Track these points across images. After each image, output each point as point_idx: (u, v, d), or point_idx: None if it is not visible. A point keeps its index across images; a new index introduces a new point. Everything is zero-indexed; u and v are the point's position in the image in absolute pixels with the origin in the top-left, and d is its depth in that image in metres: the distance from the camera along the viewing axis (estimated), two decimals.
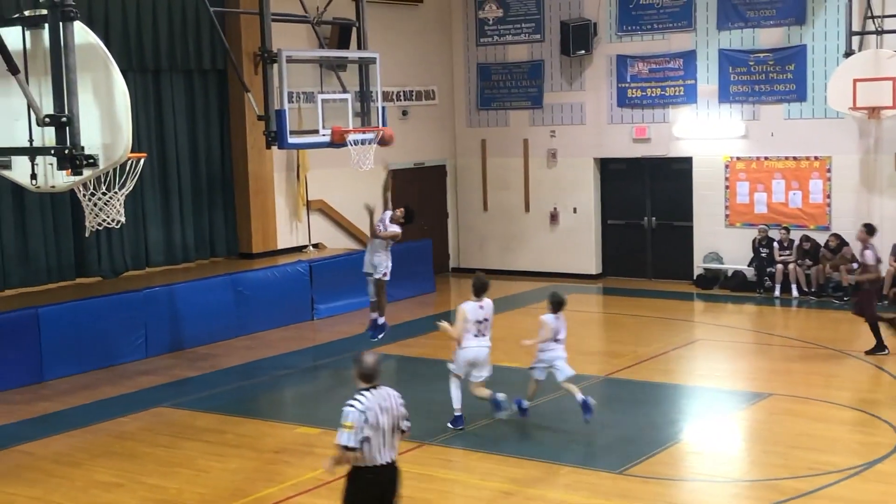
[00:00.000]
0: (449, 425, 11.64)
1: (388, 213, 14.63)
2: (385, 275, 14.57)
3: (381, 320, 14.87)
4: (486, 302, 11.48)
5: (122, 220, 10.07)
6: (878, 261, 14.65)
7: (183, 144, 18.03)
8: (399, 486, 7.52)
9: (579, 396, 11.45)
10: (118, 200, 9.78)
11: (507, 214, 22.27)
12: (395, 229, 14.48)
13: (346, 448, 7.15)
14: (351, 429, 7.12)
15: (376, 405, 7.24)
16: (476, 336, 11.39)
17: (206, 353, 15.90)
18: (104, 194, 9.78)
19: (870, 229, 14.59)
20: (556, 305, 11.67)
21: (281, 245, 19.08)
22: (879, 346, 14.21)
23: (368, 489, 7.35)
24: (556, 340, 11.65)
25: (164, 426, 12.25)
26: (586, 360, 14.85)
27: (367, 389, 7.31)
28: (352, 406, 7.19)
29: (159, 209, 17.72)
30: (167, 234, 17.88)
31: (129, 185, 9.83)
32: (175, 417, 12.61)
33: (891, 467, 10.16)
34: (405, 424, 7.46)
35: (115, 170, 9.15)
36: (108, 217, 9.90)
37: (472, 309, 11.35)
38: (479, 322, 11.38)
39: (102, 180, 9.69)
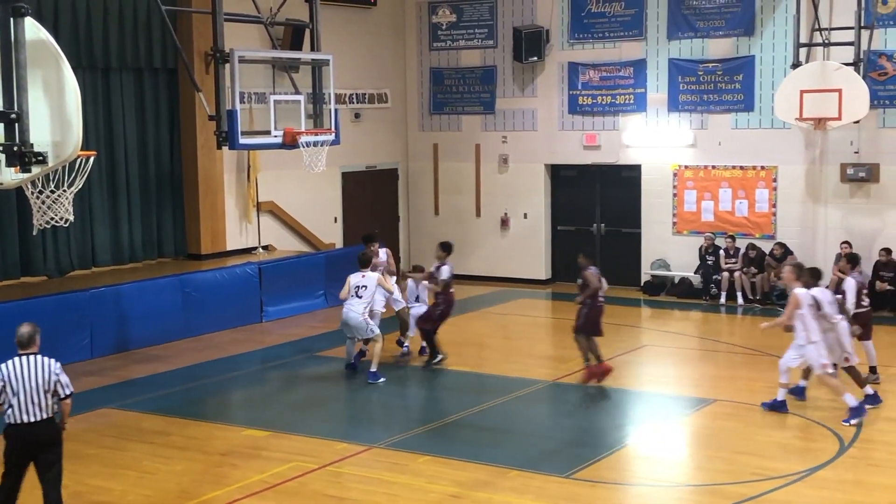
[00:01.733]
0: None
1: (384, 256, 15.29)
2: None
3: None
4: (369, 274, 13.95)
5: (71, 218, 9.97)
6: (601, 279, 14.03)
7: (132, 143, 17.86)
8: (55, 443, 8.65)
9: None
10: (67, 199, 9.67)
11: (458, 219, 22.32)
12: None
13: None
14: None
15: (20, 371, 8.40)
16: (353, 298, 13.81)
17: (152, 354, 15.76)
18: (53, 192, 9.67)
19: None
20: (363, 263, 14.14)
21: (230, 246, 18.97)
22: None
23: (16, 443, 8.50)
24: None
25: (109, 427, 12.13)
26: (535, 364, 14.95)
27: (20, 356, 8.47)
28: None
29: (107, 208, 17.53)
30: (114, 234, 17.70)
31: (79, 184, 9.73)
32: (121, 419, 12.49)
33: (833, 473, 10.32)
34: (64, 391, 8.58)
35: (64, 167, 9.06)
36: (56, 215, 9.79)
37: (354, 277, 13.94)
38: (358, 287, 13.82)
39: (51, 178, 9.59)
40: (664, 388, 13.79)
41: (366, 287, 13.85)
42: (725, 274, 19.12)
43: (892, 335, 16.63)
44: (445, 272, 14.46)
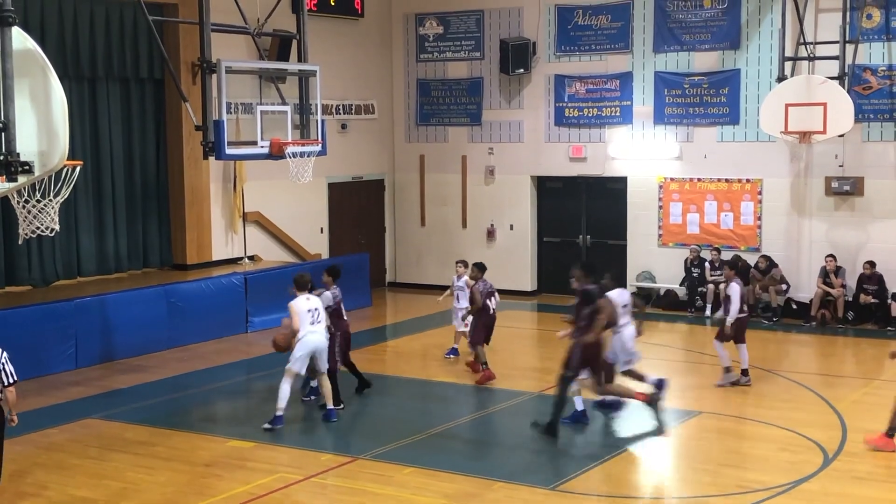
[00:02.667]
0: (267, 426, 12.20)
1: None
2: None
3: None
4: (312, 296, 12.53)
5: (57, 227, 9.94)
6: (489, 295, 14.59)
7: (118, 153, 17.84)
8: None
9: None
10: (53, 208, 9.65)
11: (444, 230, 22.33)
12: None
13: None
14: None
15: None
16: (311, 325, 12.32)
17: (137, 364, 15.71)
18: (38, 202, 9.65)
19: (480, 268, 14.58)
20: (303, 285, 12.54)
21: (216, 257, 18.93)
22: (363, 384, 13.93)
23: None
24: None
25: (93, 438, 12.08)
26: (520, 376, 14.95)
27: None
28: None
29: (92, 218, 17.49)
30: (100, 244, 17.65)
31: (65, 193, 9.71)
32: (105, 429, 12.44)
33: (817, 486, 10.34)
34: (8, 379, 9.08)
35: (50, 177, 9.04)
36: (42, 225, 9.76)
37: (300, 303, 12.36)
38: (310, 311, 12.35)
39: (37, 187, 9.56)
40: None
41: (317, 309, 12.46)
42: (711, 286, 19.17)
43: (876, 347, 16.71)
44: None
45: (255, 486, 10.36)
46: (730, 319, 13.90)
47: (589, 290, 11.90)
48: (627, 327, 12.66)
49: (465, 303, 15.34)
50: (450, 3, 21.89)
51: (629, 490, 10.58)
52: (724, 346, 14.04)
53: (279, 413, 12.22)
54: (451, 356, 15.84)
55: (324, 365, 12.55)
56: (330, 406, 12.59)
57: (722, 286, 14.27)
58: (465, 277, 15.40)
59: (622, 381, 12.56)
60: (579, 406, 12.41)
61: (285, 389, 12.24)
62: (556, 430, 11.71)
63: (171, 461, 11.25)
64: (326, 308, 12.75)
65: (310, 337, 12.27)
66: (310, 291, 12.56)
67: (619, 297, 12.65)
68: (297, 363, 12.29)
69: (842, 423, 12.36)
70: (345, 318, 13.36)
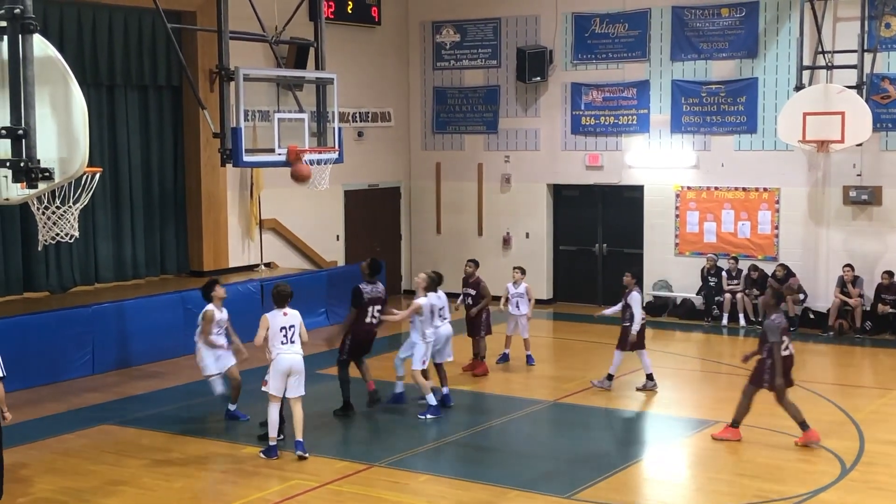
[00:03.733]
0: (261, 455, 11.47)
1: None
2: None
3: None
4: (290, 311, 11.64)
5: (76, 234, 10.00)
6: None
7: (136, 160, 17.91)
8: None
9: None
10: (72, 215, 9.70)
11: (459, 238, 22.33)
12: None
13: None
14: None
15: None
16: (287, 344, 11.44)
17: (153, 370, 15.75)
18: (58, 208, 9.70)
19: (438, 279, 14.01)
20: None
21: (232, 263, 18.98)
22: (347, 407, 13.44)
23: None
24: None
25: (109, 444, 12.12)
26: (536, 384, 14.94)
27: None
28: None
29: (110, 224, 17.56)
30: (117, 250, 17.72)
31: (84, 200, 9.76)
32: (121, 435, 12.47)
33: (835, 496, 10.29)
34: None
35: (69, 183, 9.09)
36: (61, 231, 9.82)
37: (275, 318, 11.52)
38: (284, 328, 11.47)
39: (56, 194, 9.62)
40: (665, 410, 13.77)
41: (293, 326, 11.58)
42: (727, 295, 19.11)
43: (894, 358, 16.64)
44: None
45: (270, 493, 10.38)
46: (636, 327, 14.14)
47: (356, 288, 13.12)
48: (444, 327, 13.48)
49: (524, 309, 15.36)
50: (467, 11, 21.92)
51: (645, 499, 10.55)
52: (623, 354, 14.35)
53: (272, 443, 11.46)
54: (504, 362, 15.93)
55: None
56: (301, 438, 11.45)
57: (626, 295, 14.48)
58: (524, 284, 15.46)
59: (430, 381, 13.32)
60: (398, 389, 13.66)
61: (273, 416, 11.49)
62: (348, 407, 13.13)
63: (186, 467, 11.27)
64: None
65: (281, 356, 11.40)
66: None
67: (437, 300, 13.40)
68: (272, 387, 11.46)
69: (859, 434, 12.30)
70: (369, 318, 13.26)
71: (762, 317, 13.76)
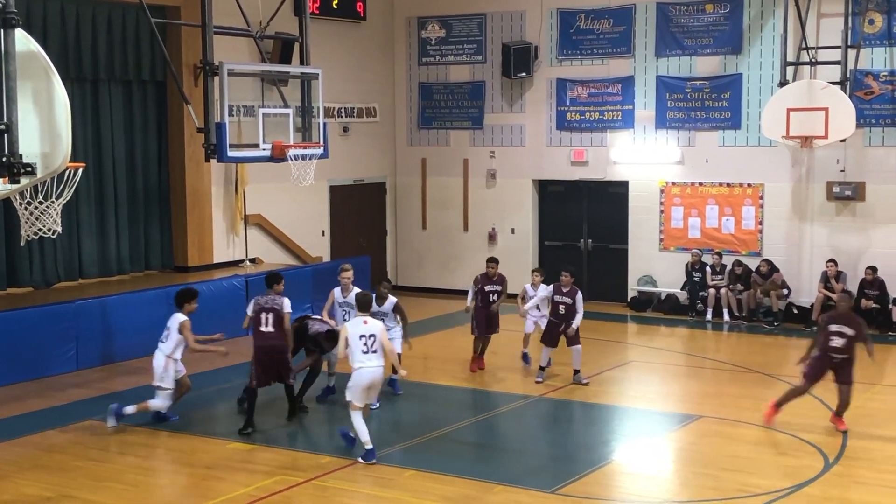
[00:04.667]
0: (360, 460, 11.18)
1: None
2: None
3: None
4: (371, 321, 11.28)
5: (59, 229, 9.96)
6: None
7: (120, 155, 17.85)
8: None
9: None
10: (55, 210, 9.67)
11: (445, 233, 22.34)
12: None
13: None
14: None
15: None
16: (369, 354, 11.03)
17: (138, 366, 15.67)
18: (41, 203, 9.66)
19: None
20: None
21: (217, 259, 18.94)
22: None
23: None
24: None
25: (94, 440, 12.09)
26: (522, 379, 14.95)
27: None
28: None
29: (94, 220, 17.50)
30: (101, 246, 17.66)
31: (67, 195, 9.72)
32: (106, 431, 12.42)
33: (818, 490, 10.35)
34: None
35: (52, 179, 9.06)
36: (44, 226, 9.78)
37: (355, 326, 11.16)
38: (364, 336, 11.07)
39: (39, 189, 9.58)
40: (650, 405, 13.81)
41: (374, 336, 11.17)
42: (712, 290, 19.17)
43: (878, 353, 16.59)
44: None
45: (255, 489, 10.37)
46: (576, 325, 14.35)
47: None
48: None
49: (544, 310, 15.22)
50: (452, 6, 21.92)
51: (630, 494, 10.58)
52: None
53: (368, 447, 11.12)
54: (528, 364, 15.67)
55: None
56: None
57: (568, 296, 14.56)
58: (543, 287, 15.25)
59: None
60: (330, 383, 13.67)
61: (358, 422, 11.15)
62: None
63: (172, 463, 11.28)
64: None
65: (365, 370, 11.06)
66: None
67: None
68: (355, 395, 11.15)
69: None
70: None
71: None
